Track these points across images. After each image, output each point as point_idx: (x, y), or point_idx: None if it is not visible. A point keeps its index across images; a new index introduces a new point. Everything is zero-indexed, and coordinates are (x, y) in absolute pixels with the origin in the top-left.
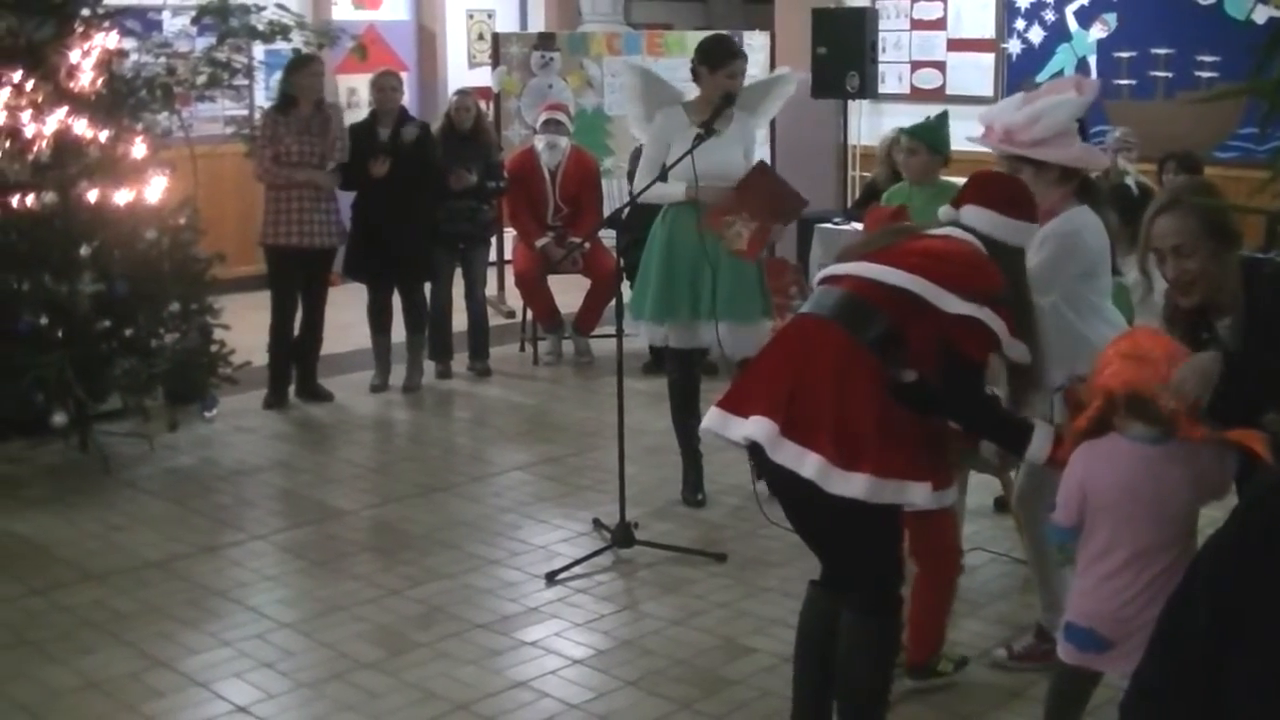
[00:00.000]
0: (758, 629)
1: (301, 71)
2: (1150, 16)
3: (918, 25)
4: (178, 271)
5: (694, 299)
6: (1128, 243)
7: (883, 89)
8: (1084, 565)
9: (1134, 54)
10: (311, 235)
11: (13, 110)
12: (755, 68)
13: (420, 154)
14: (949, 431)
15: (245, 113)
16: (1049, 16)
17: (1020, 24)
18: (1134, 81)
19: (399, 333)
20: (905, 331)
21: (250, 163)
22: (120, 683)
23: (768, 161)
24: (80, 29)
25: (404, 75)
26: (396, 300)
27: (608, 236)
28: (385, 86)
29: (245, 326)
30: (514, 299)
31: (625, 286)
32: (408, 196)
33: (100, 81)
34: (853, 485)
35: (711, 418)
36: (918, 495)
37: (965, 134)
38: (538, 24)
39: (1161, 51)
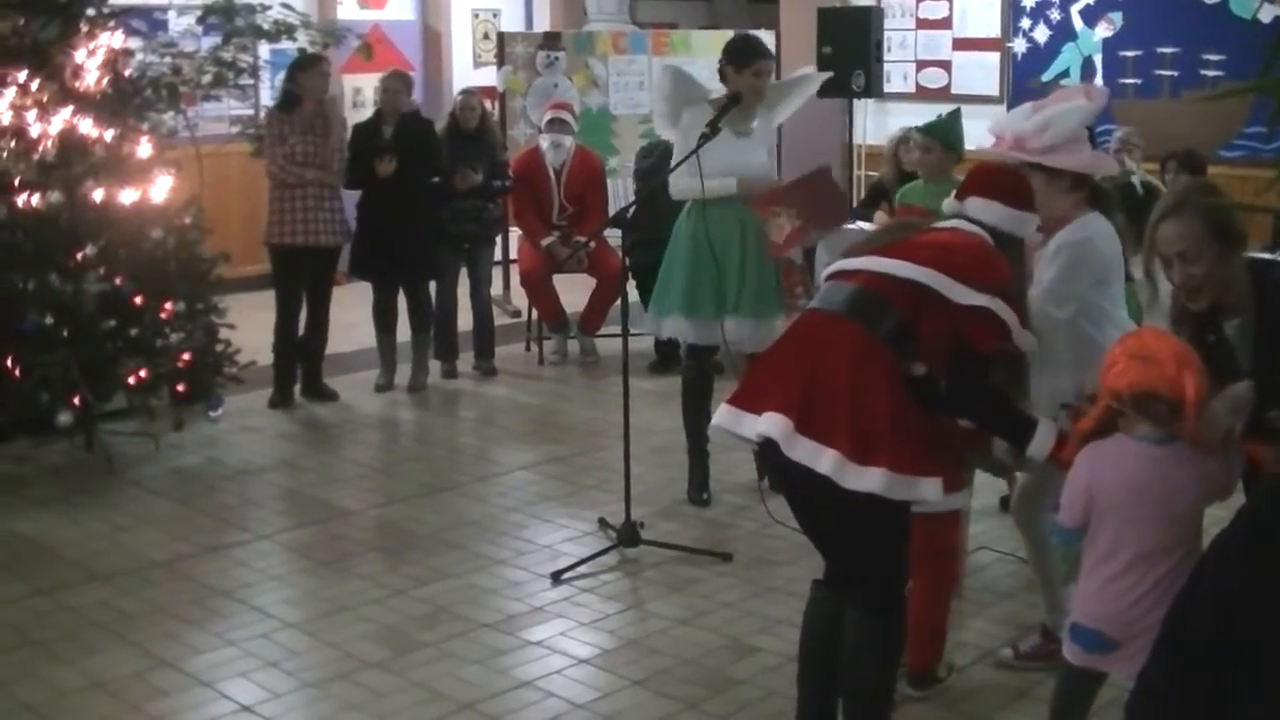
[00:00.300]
0: (763, 628)
1: (309, 71)
2: (1156, 15)
3: (923, 24)
4: (183, 271)
5: (719, 295)
6: (1134, 243)
7: (888, 88)
8: (1090, 566)
9: (1139, 53)
10: (317, 234)
11: (18, 110)
12: None
13: (423, 148)
14: (960, 433)
15: (251, 112)
16: (1054, 15)
17: (1025, 23)
18: (1139, 80)
19: (404, 332)
20: (917, 324)
21: (256, 162)
22: (125, 683)
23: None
24: (86, 28)
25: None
26: (402, 300)
27: (613, 236)
28: (388, 88)
29: (251, 326)
30: (519, 298)
31: (631, 286)
32: (413, 196)
33: (106, 81)
34: (868, 480)
35: (722, 415)
36: (929, 491)
37: (972, 133)
38: (543, 23)
39: (1167, 50)
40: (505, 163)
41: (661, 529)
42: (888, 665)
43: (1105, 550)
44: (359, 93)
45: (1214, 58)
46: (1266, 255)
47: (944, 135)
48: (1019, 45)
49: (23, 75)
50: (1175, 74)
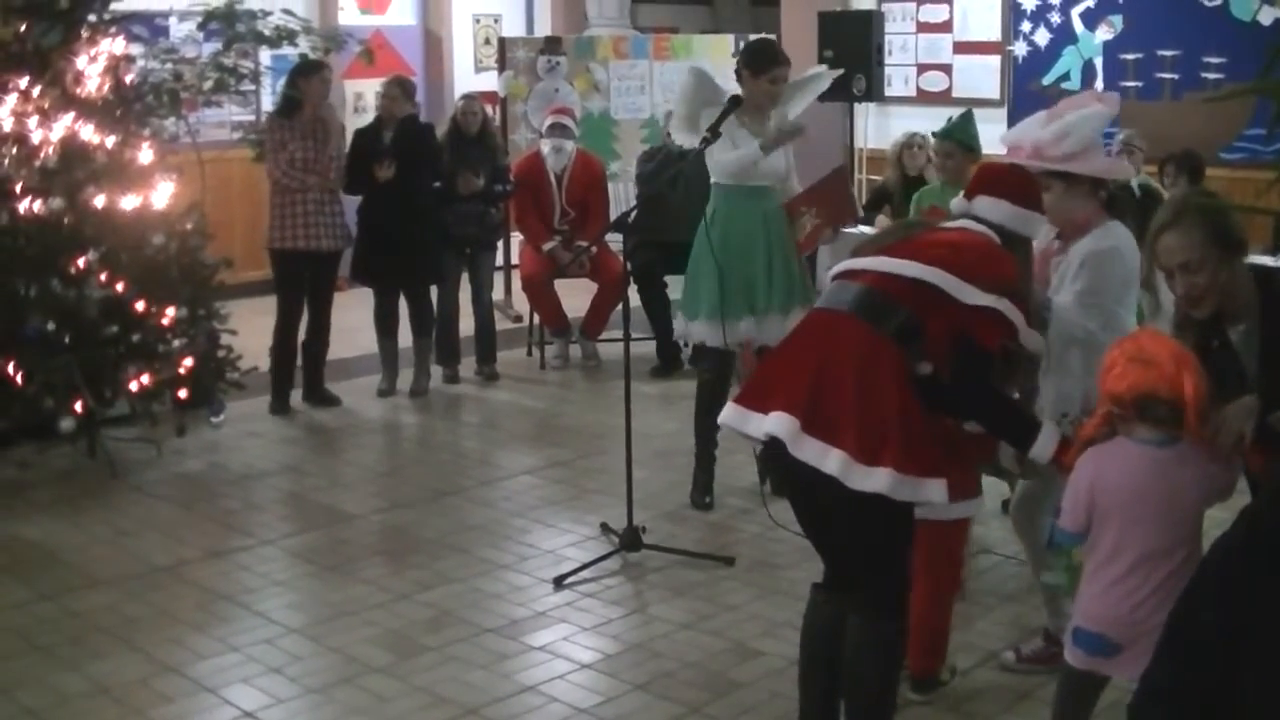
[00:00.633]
0: (767, 632)
1: (310, 77)
2: (1156, 18)
3: (924, 28)
4: (185, 276)
5: (749, 295)
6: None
7: (889, 92)
8: (1092, 570)
9: (1140, 56)
10: (318, 238)
11: (20, 116)
12: None
13: (423, 152)
14: (969, 439)
15: (252, 118)
16: (1055, 19)
17: (1026, 26)
18: (1140, 83)
19: (406, 337)
20: (924, 324)
21: (257, 167)
22: (129, 688)
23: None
24: (87, 35)
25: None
26: (403, 305)
27: (614, 240)
28: (386, 94)
29: (253, 331)
30: (521, 303)
31: (633, 290)
32: (414, 201)
33: (107, 87)
34: (875, 481)
35: (729, 414)
36: (934, 493)
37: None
38: (544, 28)
39: (1168, 53)
40: (506, 167)
41: (664, 533)
42: (889, 669)
43: (1107, 553)
44: (360, 98)
45: (1215, 60)
46: (1270, 261)
47: (963, 138)
48: (1020, 48)
49: (24, 81)
50: (1176, 76)
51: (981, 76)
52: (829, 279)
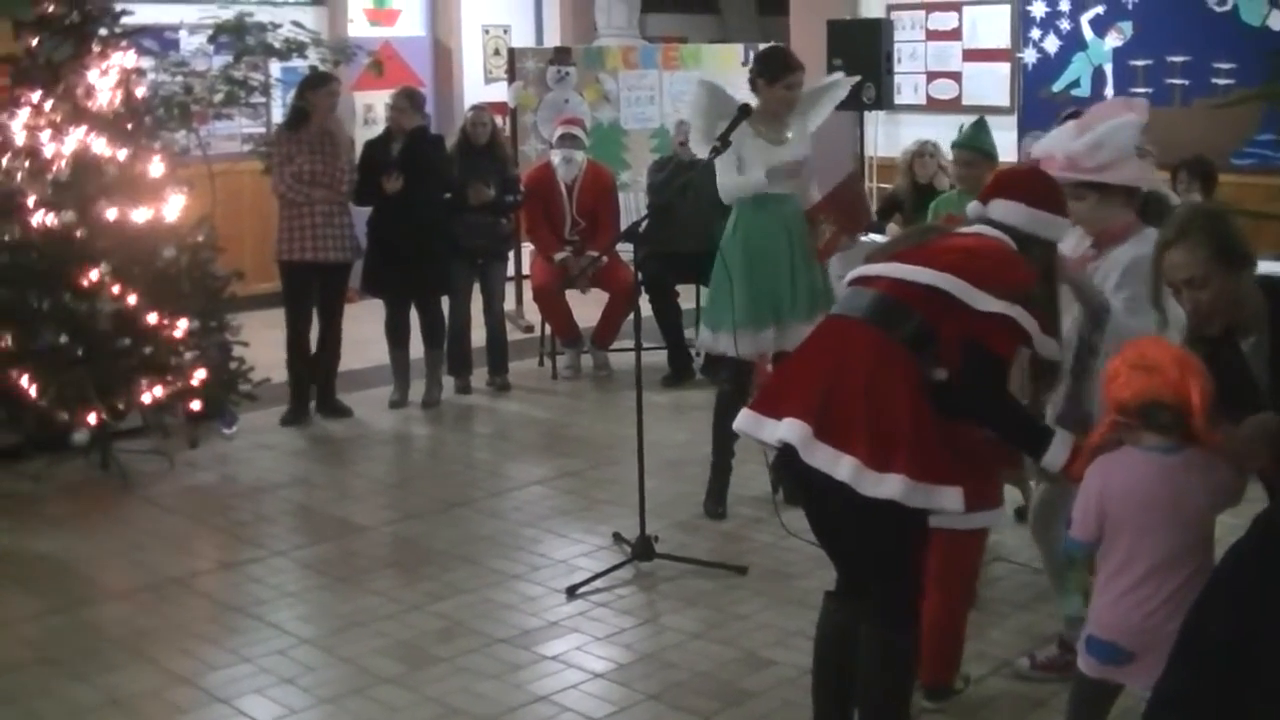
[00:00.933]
0: (779, 641)
1: (318, 90)
2: (1166, 24)
3: (933, 36)
4: (196, 289)
5: (775, 303)
6: None
7: (898, 100)
8: (1105, 579)
9: (1150, 62)
10: (326, 250)
11: (32, 130)
12: None
13: (433, 164)
14: (993, 449)
15: (263, 130)
16: (1064, 26)
17: (1035, 33)
18: (1150, 89)
19: (417, 348)
20: (937, 330)
21: (268, 180)
22: (142, 700)
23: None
24: (98, 49)
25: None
26: (415, 316)
27: (625, 250)
28: (394, 106)
29: (264, 343)
30: (532, 313)
31: (644, 300)
32: (424, 212)
33: (118, 100)
34: (886, 487)
35: (744, 419)
36: (948, 500)
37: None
38: (553, 39)
39: (1177, 59)
40: (516, 178)
41: (676, 542)
42: (901, 677)
43: (1119, 562)
44: (370, 109)
45: (1224, 66)
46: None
47: (984, 146)
48: (1029, 56)
49: (36, 95)
50: (1186, 82)
51: (991, 84)
52: (844, 285)
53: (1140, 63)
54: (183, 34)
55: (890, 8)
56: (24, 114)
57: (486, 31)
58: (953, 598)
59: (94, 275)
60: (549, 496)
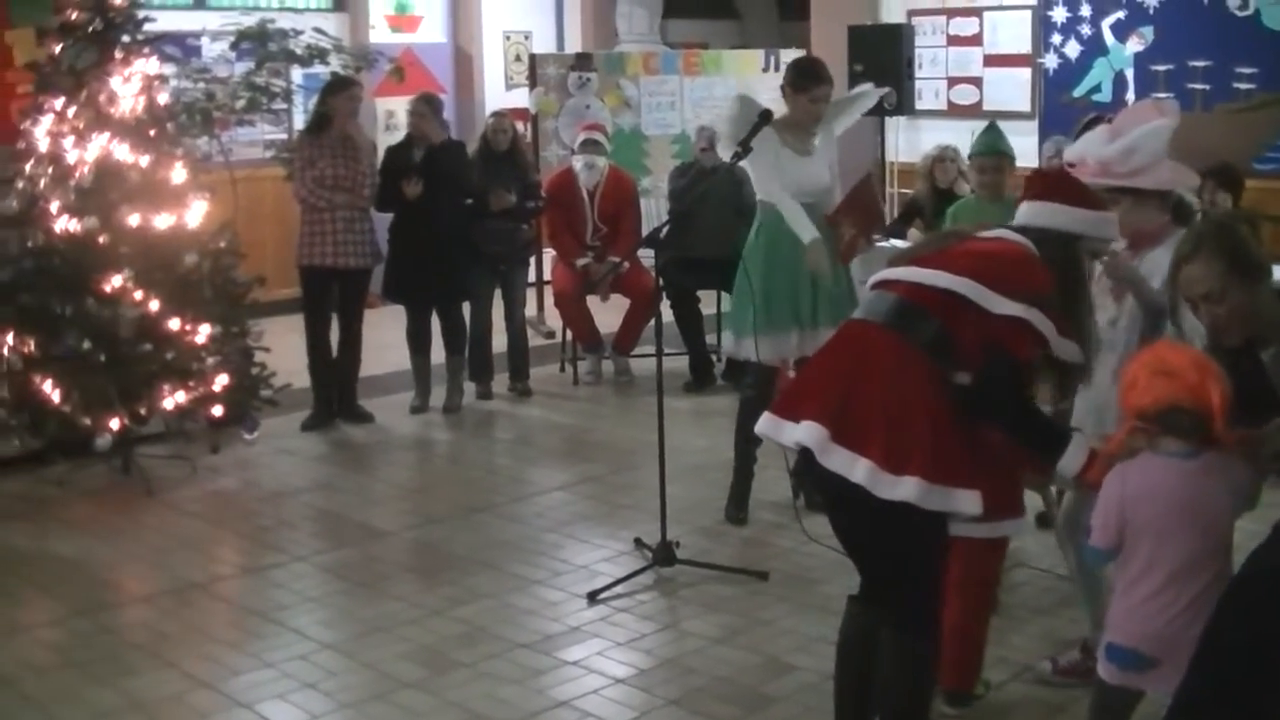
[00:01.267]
0: (800, 646)
1: (340, 95)
2: (1187, 29)
3: (954, 41)
4: (218, 295)
5: (797, 309)
6: None
7: (919, 105)
8: (1125, 585)
9: (1171, 67)
10: (346, 256)
11: (55, 136)
12: None
13: (454, 170)
14: (1014, 457)
15: (284, 136)
16: (1085, 31)
17: (1056, 39)
18: (1171, 94)
19: (439, 354)
20: (955, 334)
21: (290, 186)
22: (164, 704)
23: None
24: (121, 55)
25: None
26: (436, 321)
27: (646, 256)
28: (412, 111)
29: (286, 349)
30: (554, 319)
31: (665, 306)
32: (445, 218)
33: (141, 107)
34: (902, 489)
35: (764, 422)
36: (966, 504)
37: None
38: (574, 45)
39: (1199, 64)
40: (537, 184)
41: (697, 548)
42: (920, 682)
43: (1140, 569)
44: (391, 115)
45: (1246, 70)
46: None
47: (1001, 149)
48: (1050, 61)
49: (60, 102)
50: (1207, 87)
51: (1012, 89)
52: (866, 290)
53: (1161, 68)
54: (205, 41)
55: (911, 13)
56: (47, 120)
57: (507, 38)
58: (973, 603)
59: (116, 281)
60: (570, 502)
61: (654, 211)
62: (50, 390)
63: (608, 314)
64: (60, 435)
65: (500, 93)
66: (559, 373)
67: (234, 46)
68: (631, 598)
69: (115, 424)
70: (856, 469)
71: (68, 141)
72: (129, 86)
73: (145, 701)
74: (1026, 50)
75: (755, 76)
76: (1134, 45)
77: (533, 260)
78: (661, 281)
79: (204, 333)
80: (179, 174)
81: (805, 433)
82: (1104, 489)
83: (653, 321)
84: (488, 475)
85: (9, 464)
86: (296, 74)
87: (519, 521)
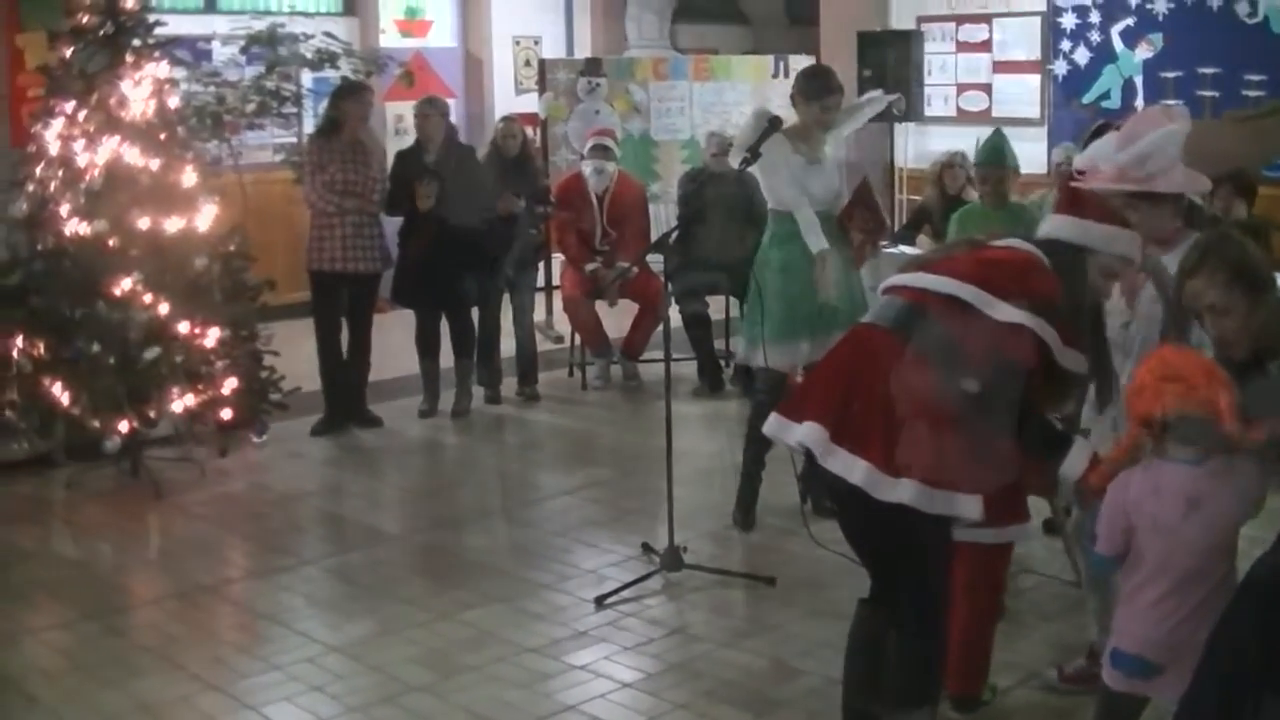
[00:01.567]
0: (808, 651)
1: (352, 99)
2: (1196, 36)
3: (963, 48)
4: (228, 298)
5: (809, 315)
6: None
7: (929, 112)
8: (1131, 592)
9: (1180, 74)
10: (356, 260)
11: (66, 139)
12: None
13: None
14: (1022, 462)
15: (294, 140)
16: (1094, 38)
17: (1066, 45)
18: (1181, 101)
19: (447, 358)
20: (960, 339)
21: (299, 190)
22: (172, 706)
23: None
24: (132, 59)
25: (450, 101)
26: (445, 326)
27: (655, 261)
28: (420, 114)
29: (295, 352)
30: (562, 324)
31: (674, 311)
32: (454, 222)
33: (151, 111)
34: (900, 491)
35: (771, 423)
36: (966, 507)
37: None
38: (584, 50)
39: (1208, 71)
40: (547, 188)
41: (705, 553)
42: (924, 685)
43: (1146, 575)
44: (401, 119)
45: (1255, 78)
46: None
47: (1010, 159)
48: (1059, 67)
49: (70, 105)
50: (1216, 94)
51: (1021, 96)
52: (877, 295)
53: (1170, 74)
54: (215, 45)
55: (920, 19)
56: (58, 124)
57: (517, 42)
58: (980, 609)
59: (126, 284)
60: (578, 506)
61: (663, 217)
62: (60, 393)
63: (617, 319)
64: (69, 438)
65: (510, 98)
66: (567, 377)
67: (244, 50)
68: (639, 602)
69: (124, 427)
70: (855, 470)
71: (78, 145)
72: (139, 90)
73: (153, 704)
74: (1036, 57)
75: (765, 82)
76: (1143, 52)
77: (542, 265)
78: (670, 287)
79: (213, 336)
80: (189, 178)
81: (806, 433)
82: (1109, 495)
83: (661, 327)
84: (496, 479)
85: (18, 466)
86: (306, 78)
87: (527, 526)
